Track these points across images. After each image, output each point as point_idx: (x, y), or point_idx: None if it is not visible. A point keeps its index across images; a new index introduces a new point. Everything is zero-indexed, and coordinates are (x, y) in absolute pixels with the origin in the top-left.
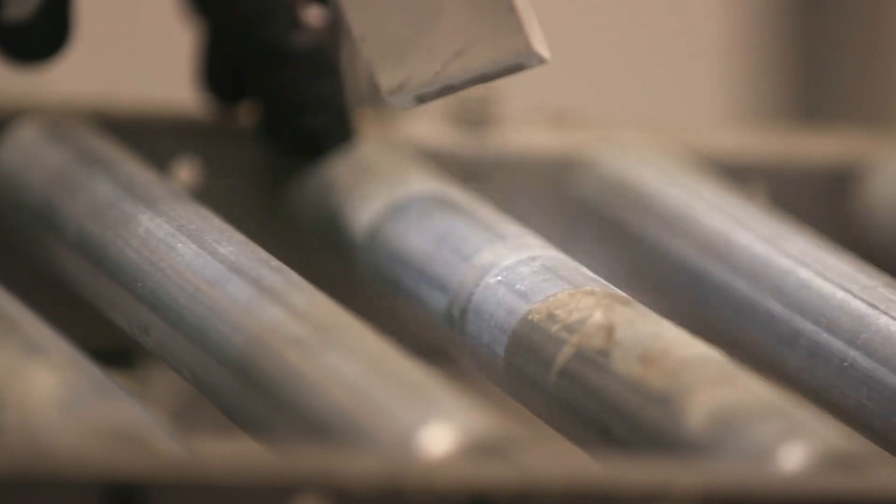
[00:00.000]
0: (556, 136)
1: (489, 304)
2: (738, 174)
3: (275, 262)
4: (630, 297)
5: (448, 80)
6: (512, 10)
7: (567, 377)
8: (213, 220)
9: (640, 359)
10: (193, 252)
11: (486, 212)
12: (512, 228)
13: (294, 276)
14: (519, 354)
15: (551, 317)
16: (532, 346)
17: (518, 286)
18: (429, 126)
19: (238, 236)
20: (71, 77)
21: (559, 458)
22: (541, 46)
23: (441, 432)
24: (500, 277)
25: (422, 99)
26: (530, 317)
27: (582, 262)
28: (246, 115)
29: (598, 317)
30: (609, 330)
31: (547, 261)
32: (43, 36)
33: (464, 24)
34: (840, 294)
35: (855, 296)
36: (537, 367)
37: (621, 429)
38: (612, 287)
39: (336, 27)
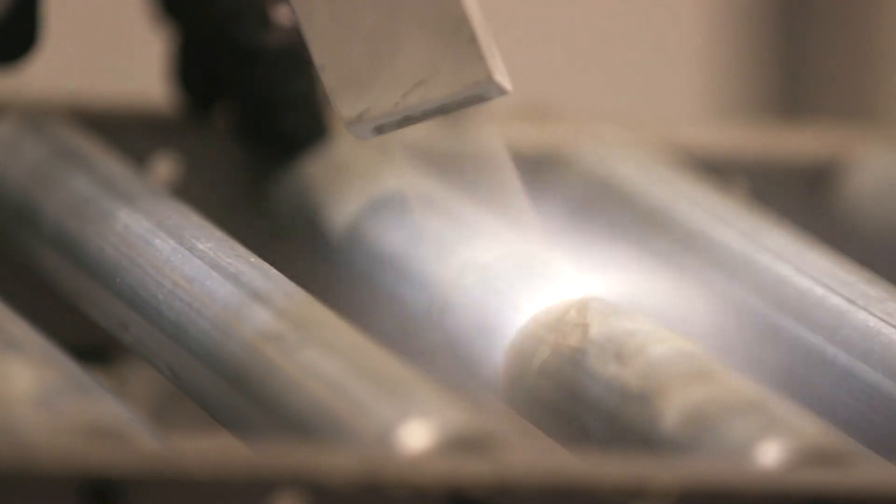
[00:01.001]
0: (536, 131)
1: (467, 304)
2: (718, 169)
3: (254, 258)
4: (606, 294)
5: (408, 110)
6: (473, 40)
7: (545, 376)
8: (192, 217)
9: (616, 357)
10: (172, 248)
11: (463, 207)
12: (488, 224)
13: (273, 273)
14: (497, 355)
15: (528, 316)
16: (510, 346)
17: (494, 285)
18: None
19: (217, 232)
20: (47, 72)
21: (537, 455)
22: (501, 77)
23: (420, 428)
24: (476, 276)
25: (381, 129)
26: (507, 316)
27: (560, 258)
28: (221, 115)
29: (573, 314)
30: (584, 327)
31: (523, 258)
32: (13, 38)
33: (424, 55)
34: (819, 290)
35: (834, 291)
36: (516, 367)
37: (600, 428)
38: (589, 283)
39: None
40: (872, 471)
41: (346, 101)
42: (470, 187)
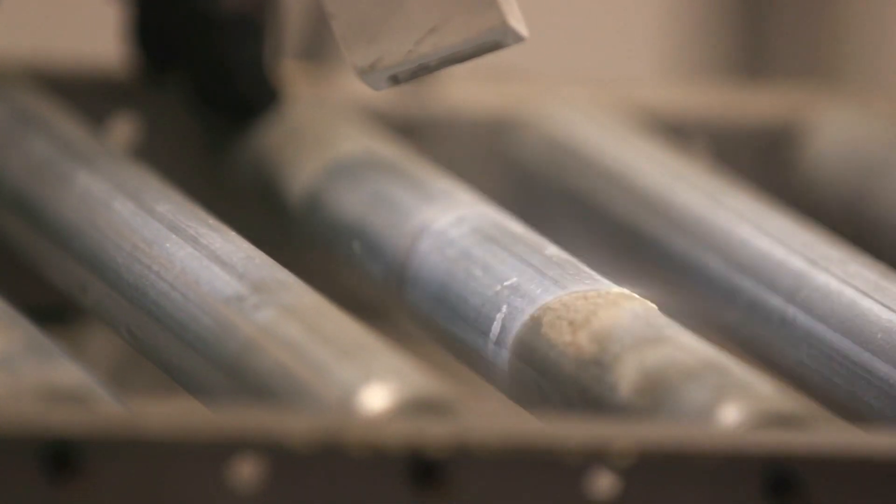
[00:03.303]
0: (495, 91)
1: (423, 272)
2: (678, 131)
3: (213, 220)
4: (561, 256)
5: (421, 59)
6: None
7: (502, 344)
8: (151, 179)
9: (570, 323)
10: (131, 211)
11: (418, 170)
12: (442, 187)
13: (232, 235)
14: (455, 323)
15: (482, 283)
16: (466, 315)
17: (449, 252)
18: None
19: (176, 195)
20: (3, 34)
21: (498, 417)
22: (517, 23)
23: (380, 391)
24: (431, 243)
25: (396, 79)
26: (462, 284)
27: (518, 221)
28: (176, 79)
29: (529, 283)
30: (541, 294)
31: (476, 221)
32: None
33: (437, 1)
34: (780, 251)
35: (795, 252)
36: (474, 336)
37: (559, 395)
38: (544, 245)
39: None
40: (831, 433)
41: (357, 50)
42: (428, 151)
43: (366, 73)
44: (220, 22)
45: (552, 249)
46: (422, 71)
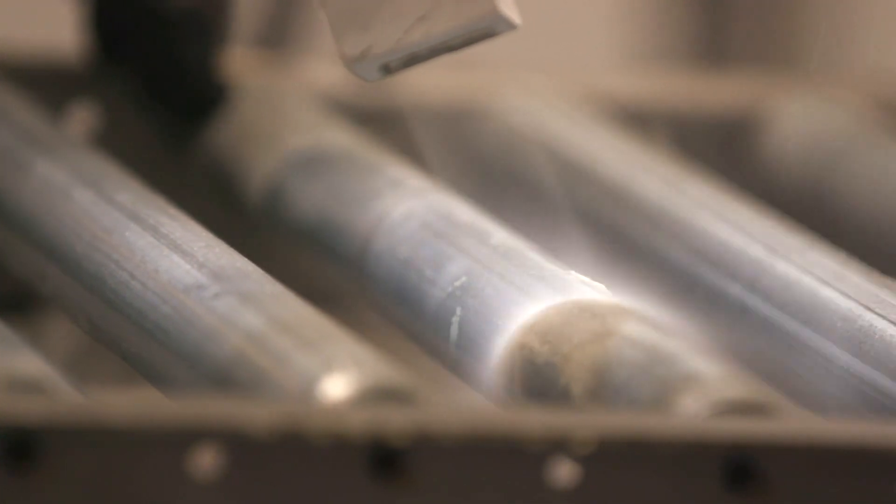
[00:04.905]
0: (456, 80)
1: (380, 273)
2: (639, 119)
3: (173, 209)
4: (508, 244)
5: (412, 47)
6: None
7: (463, 349)
8: (111, 168)
9: (521, 327)
10: (90, 200)
11: (372, 161)
12: (393, 177)
13: (192, 224)
14: (415, 324)
15: (435, 285)
16: (425, 318)
17: (401, 251)
18: (324, 70)
19: (135, 184)
20: None
21: (459, 405)
22: (509, 10)
23: (342, 380)
24: (384, 243)
25: (388, 69)
26: (415, 287)
27: (469, 206)
28: (131, 72)
29: (464, 280)
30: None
31: (424, 215)
32: None
33: None
34: (739, 239)
35: (755, 241)
36: (435, 339)
37: (517, 392)
38: (490, 233)
39: None
40: (791, 421)
41: (347, 38)
42: (389, 140)
43: (356, 63)
44: (168, 19)
45: (499, 236)
46: (413, 60)
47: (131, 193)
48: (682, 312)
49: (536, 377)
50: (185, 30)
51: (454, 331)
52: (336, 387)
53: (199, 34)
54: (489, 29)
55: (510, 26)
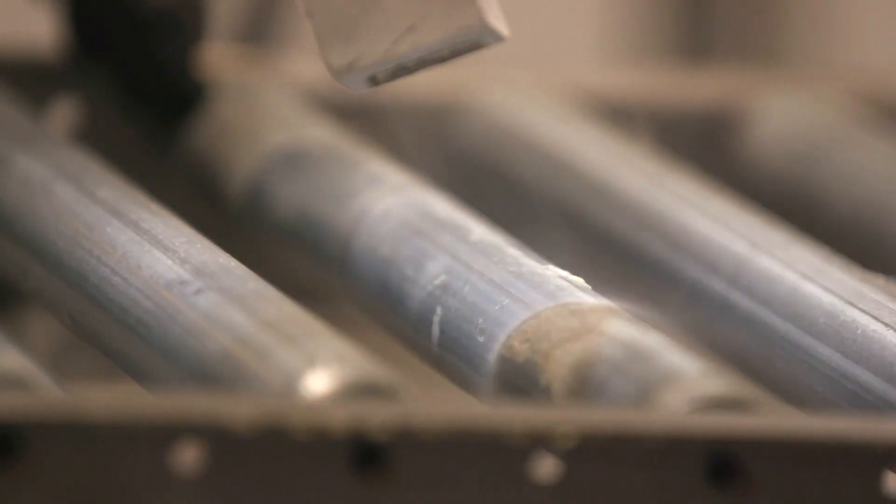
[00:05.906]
0: (438, 75)
1: (362, 272)
2: (621, 113)
3: (154, 205)
4: (485, 240)
5: (399, 58)
6: None
7: (445, 348)
8: (92, 164)
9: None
10: (72, 195)
11: (352, 157)
12: (372, 172)
13: (174, 220)
14: (397, 322)
15: (415, 284)
16: (407, 317)
17: (381, 251)
18: (305, 65)
19: (117, 180)
20: None
21: (441, 400)
22: (496, 21)
23: (323, 375)
24: (364, 243)
25: (375, 80)
26: (397, 286)
27: (447, 201)
28: (109, 71)
29: (444, 278)
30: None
31: (402, 212)
32: None
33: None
34: (722, 234)
35: (737, 236)
36: (417, 337)
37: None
38: (470, 229)
39: None
40: (773, 416)
41: (334, 49)
42: (372, 135)
43: (343, 74)
44: (144, 20)
45: (478, 232)
46: (400, 71)
47: (113, 189)
48: (664, 307)
49: (517, 376)
50: (161, 30)
51: (435, 330)
52: (318, 382)
53: (175, 35)
54: (477, 40)
55: (498, 38)
